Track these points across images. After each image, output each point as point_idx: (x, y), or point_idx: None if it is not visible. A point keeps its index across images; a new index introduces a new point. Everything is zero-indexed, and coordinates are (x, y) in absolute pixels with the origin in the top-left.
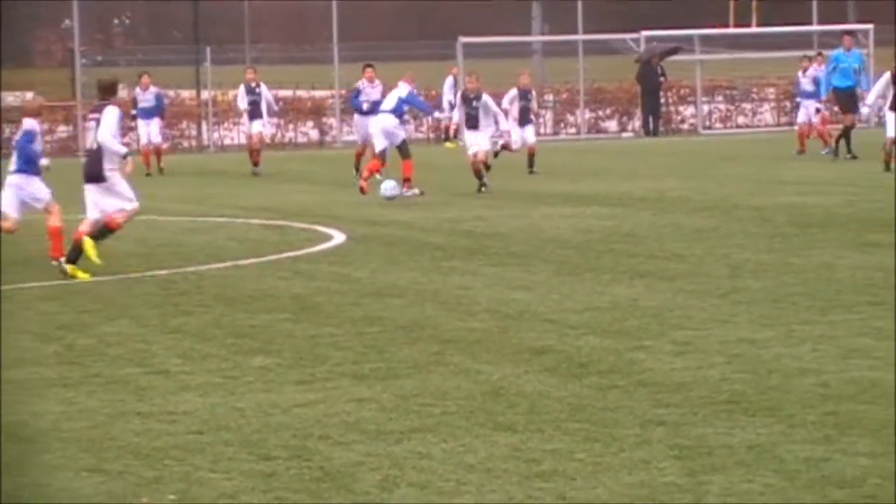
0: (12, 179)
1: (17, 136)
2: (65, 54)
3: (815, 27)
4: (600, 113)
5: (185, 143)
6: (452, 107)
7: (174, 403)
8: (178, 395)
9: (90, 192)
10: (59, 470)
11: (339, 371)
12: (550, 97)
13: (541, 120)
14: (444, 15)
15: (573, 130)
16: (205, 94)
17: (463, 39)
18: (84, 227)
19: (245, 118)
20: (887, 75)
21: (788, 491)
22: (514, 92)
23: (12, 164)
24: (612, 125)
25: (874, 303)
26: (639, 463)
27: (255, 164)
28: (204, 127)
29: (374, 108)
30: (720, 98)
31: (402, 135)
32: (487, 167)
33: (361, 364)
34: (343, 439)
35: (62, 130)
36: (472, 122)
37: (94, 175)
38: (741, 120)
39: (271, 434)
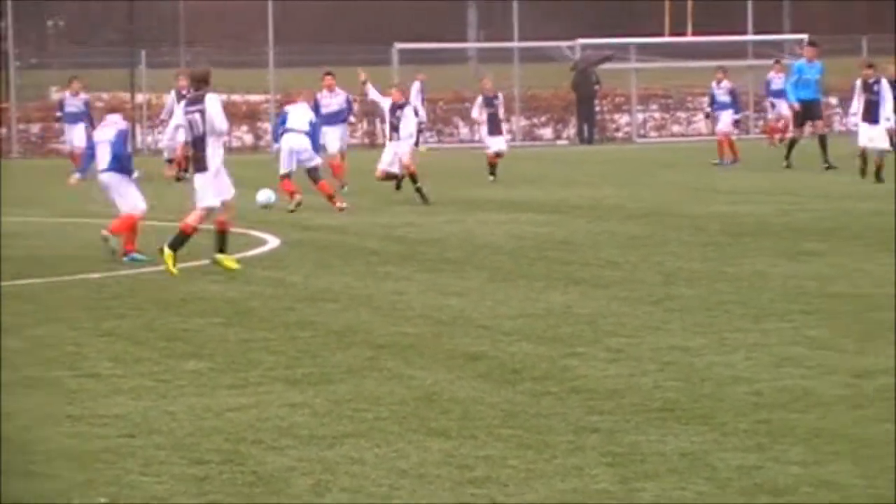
0: (106, 178)
1: (111, 136)
2: None
3: (750, 37)
4: (535, 120)
5: None
6: (417, 112)
7: (105, 406)
8: (109, 398)
9: (198, 180)
10: None
11: (272, 375)
12: None
13: (475, 127)
14: (380, 19)
15: (508, 137)
16: (139, 98)
17: (398, 45)
18: (191, 218)
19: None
20: (859, 82)
21: (720, 499)
22: (479, 99)
23: (103, 163)
24: (547, 132)
25: (806, 311)
26: (572, 470)
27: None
28: (138, 130)
29: (337, 117)
30: (655, 106)
31: (315, 160)
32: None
33: (294, 369)
34: (276, 444)
35: None
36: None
37: (201, 165)
38: (676, 128)
39: (204, 438)
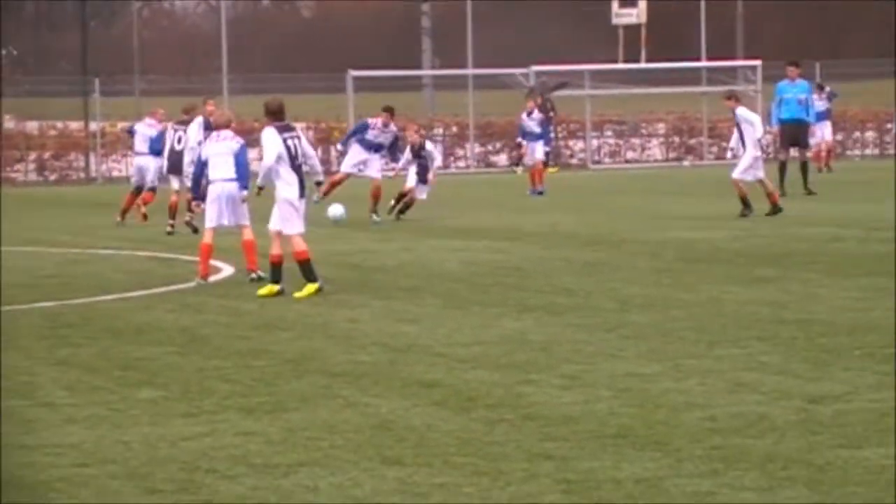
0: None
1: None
2: None
3: (704, 63)
4: (490, 147)
5: (73, 175)
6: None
7: (60, 436)
8: (63, 427)
9: None
10: None
11: (227, 404)
12: (440, 130)
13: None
14: (334, 47)
15: (462, 164)
16: (93, 126)
17: (353, 73)
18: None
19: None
20: None
21: None
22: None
23: (226, 173)
24: (501, 159)
25: (761, 337)
26: (526, 497)
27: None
28: (92, 158)
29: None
30: (609, 133)
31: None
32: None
33: (249, 397)
34: (230, 472)
35: None
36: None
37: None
38: (630, 155)
39: (157, 467)
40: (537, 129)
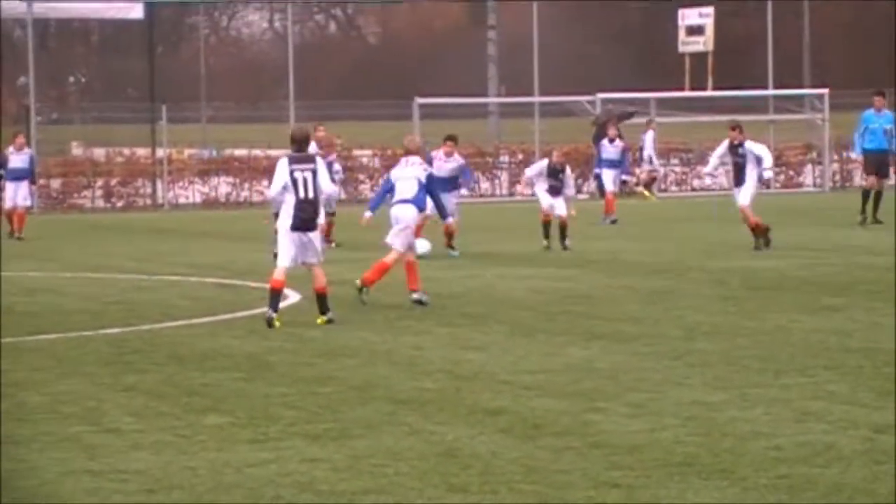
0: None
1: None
2: (19, 111)
3: (770, 91)
4: None
5: (140, 202)
6: (652, 160)
7: (126, 462)
8: (129, 453)
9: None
10: None
11: (292, 431)
12: (506, 158)
13: (496, 181)
14: (400, 74)
15: (528, 191)
16: (160, 152)
17: (419, 100)
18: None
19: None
20: (726, 142)
21: None
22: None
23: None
24: None
25: (828, 366)
26: None
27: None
28: (159, 185)
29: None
30: (675, 161)
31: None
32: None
33: (314, 424)
34: (295, 499)
35: None
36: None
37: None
38: (696, 183)
39: (223, 493)
40: (617, 157)
